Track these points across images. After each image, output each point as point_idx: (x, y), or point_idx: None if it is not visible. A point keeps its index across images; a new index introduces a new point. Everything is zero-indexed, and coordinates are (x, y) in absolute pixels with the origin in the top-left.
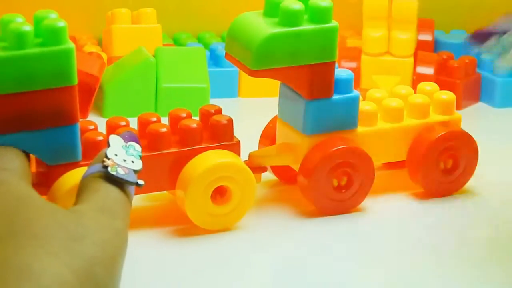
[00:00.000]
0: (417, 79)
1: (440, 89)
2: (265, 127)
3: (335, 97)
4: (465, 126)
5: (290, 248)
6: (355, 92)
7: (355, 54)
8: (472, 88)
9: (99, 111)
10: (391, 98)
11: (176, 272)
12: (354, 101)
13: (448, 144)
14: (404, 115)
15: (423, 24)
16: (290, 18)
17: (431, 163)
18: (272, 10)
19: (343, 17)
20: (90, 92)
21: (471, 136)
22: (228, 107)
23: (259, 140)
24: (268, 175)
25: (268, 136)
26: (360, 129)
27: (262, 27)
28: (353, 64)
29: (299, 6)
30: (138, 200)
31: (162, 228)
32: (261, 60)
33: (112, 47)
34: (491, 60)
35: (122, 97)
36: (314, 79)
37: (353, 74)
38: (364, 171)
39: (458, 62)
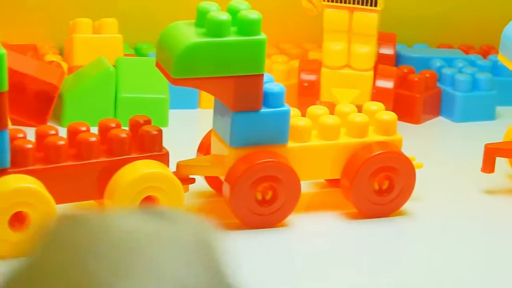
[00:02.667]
0: (377, 92)
1: (399, 103)
2: (203, 137)
3: (264, 110)
4: (423, 140)
5: None
6: (286, 107)
7: (315, 67)
8: (432, 102)
9: (58, 120)
10: (328, 116)
11: None
12: (284, 116)
13: (384, 165)
14: (340, 133)
15: (385, 38)
16: (216, 28)
17: (364, 183)
18: (202, 20)
19: (305, 30)
20: (48, 100)
21: (408, 159)
22: (188, 118)
23: (197, 150)
24: (204, 186)
25: (204, 146)
26: (291, 144)
27: (187, 36)
28: (312, 77)
29: (225, 17)
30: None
31: None
32: (182, 69)
33: (73, 56)
34: (452, 74)
35: (81, 106)
36: (240, 91)
37: (284, 88)
38: (289, 186)
39: (418, 76)
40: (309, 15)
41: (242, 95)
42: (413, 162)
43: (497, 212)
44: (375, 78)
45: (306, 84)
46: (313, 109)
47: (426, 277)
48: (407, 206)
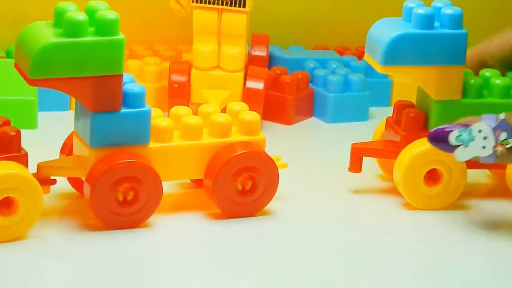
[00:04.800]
0: (247, 93)
1: (271, 104)
2: (66, 139)
3: (124, 111)
4: (294, 141)
5: (67, 266)
6: (147, 107)
7: (185, 68)
8: (304, 103)
9: None
10: (190, 116)
11: None
12: (144, 116)
13: (247, 165)
14: (203, 133)
15: (258, 39)
16: (73, 29)
17: (227, 183)
18: (59, 21)
19: (180, 31)
20: None
21: (271, 159)
22: (59, 120)
23: (60, 151)
24: (68, 187)
25: (66, 148)
26: (152, 145)
27: (43, 36)
28: (182, 78)
29: (82, 17)
30: None
31: None
32: (39, 69)
33: None
34: (324, 76)
35: None
36: (99, 91)
37: (145, 88)
38: (150, 187)
39: (290, 77)
40: (178, 17)
41: (101, 95)
42: (278, 162)
43: (361, 211)
44: (245, 79)
45: (176, 86)
46: (176, 110)
47: (291, 276)
48: (271, 205)
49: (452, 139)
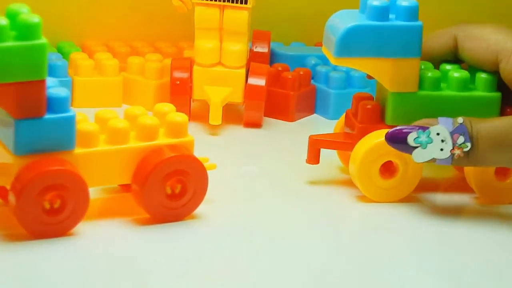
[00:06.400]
0: (248, 90)
1: (273, 101)
2: None
3: (48, 116)
4: (296, 138)
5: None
6: (72, 112)
7: (187, 65)
8: (306, 100)
9: None
10: (117, 119)
11: None
12: (69, 121)
13: (175, 168)
14: (130, 137)
15: (260, 36)
16: None
17: (155, 187)
18: None
19: (181, 28)
20: None
21: (199, 161)
22: None
23: None
24: None
25: None
26: (78, 150)
27: None
28: (184, 75)
29: (3, 21)
30: None
31: None
32: None
33: None
34: (326, 72)
35: None
36: (21, 97)
37: (69, 93)
38: (77, 194)
39: (292, 74)
40: (180, 13)
41: (24, 101)
42: (206, 164)
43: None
44: (247, 76)
45: (178, 82)
46: (101, 113)
47: (224, 281)
48: (201, 209)
49: (411, 140)
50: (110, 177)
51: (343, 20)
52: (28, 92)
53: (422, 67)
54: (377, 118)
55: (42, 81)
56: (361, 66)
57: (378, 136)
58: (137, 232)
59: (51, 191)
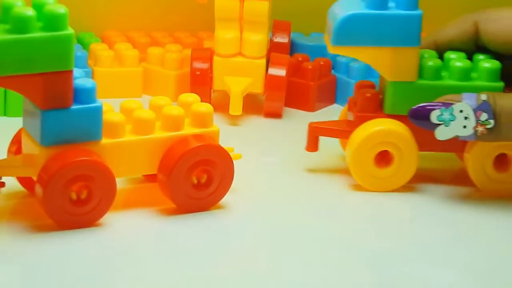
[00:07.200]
0: (269, 80)
1: (293, 91)
2: (14, 137)
3: (75, 107)
4: None
5: (17, 269)
6: (98, 102)
7: (207, 55)
8: (326, 90)
9: None
10: (142, 110)
11: None
12: (96, 112)
13: (201, 158)
14: (156, 127)
15: (280, 26)
16: (20, 24)
17: (181, 177)
18: (6, 16)
19: (201, 18)
20: None
21: (226, 151)
22: None
23: (7, 150)
24: (18, 186)
25: (14, 146)
26: (104, 141)
27: None
28: (205, 65)
29: (30, 12)
30: None
31: None
32: None
33: None
34: (346, 62)
35: None
36: (48, 88)
37: (95, 84)
38: (104, 185)
39: (312, 64)
40: (199, 3)
41: (51, 92)
42: (231, 154)
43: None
44: (267, 66)
45: (198, 73)
46: (127, 103)
47: (250, 270)
48: (226, 199)
49: (434, 117)
50: (136, 167)
51: (343, 8)
52: (55, 83)
53: (426, 55)
54: (376, 106)
55: (69, 72)
56: (359, 55)
57: (374, 125)
58: (163, 222)
59: (78, 181)
